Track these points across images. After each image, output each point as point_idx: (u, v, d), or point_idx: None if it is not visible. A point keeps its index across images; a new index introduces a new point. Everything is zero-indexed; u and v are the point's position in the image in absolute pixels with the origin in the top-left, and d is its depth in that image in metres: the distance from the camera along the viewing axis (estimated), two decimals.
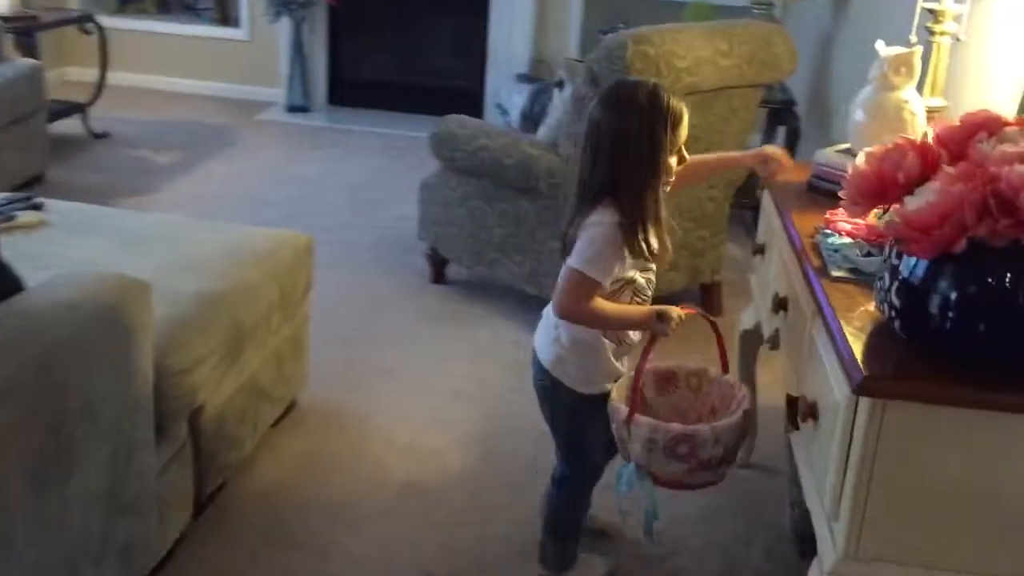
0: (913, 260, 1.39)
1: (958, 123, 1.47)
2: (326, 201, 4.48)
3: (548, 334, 2.02)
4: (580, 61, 3.55)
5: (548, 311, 2.01)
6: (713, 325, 2.00)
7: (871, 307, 1.58)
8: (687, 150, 1.94)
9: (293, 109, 5.92)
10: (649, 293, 1.99)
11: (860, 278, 1.68)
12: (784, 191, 2.23)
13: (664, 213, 1.91)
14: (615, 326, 1.95)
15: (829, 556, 1.48)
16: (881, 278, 1.47)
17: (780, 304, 1.94)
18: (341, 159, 5.14)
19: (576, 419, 2.08)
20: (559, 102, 3.26)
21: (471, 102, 5.99)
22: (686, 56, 2.94)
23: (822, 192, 2.20)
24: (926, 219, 1.31)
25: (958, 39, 2.24)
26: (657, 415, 1.99)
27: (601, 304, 1.88)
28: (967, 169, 1.31)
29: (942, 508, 1.41)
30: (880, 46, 2.13)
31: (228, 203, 4.31)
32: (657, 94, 1.87)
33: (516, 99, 5.37)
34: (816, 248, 1.84)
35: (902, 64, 2.09)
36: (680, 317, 1.90)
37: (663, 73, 2.89)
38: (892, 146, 1.45)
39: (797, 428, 1.75)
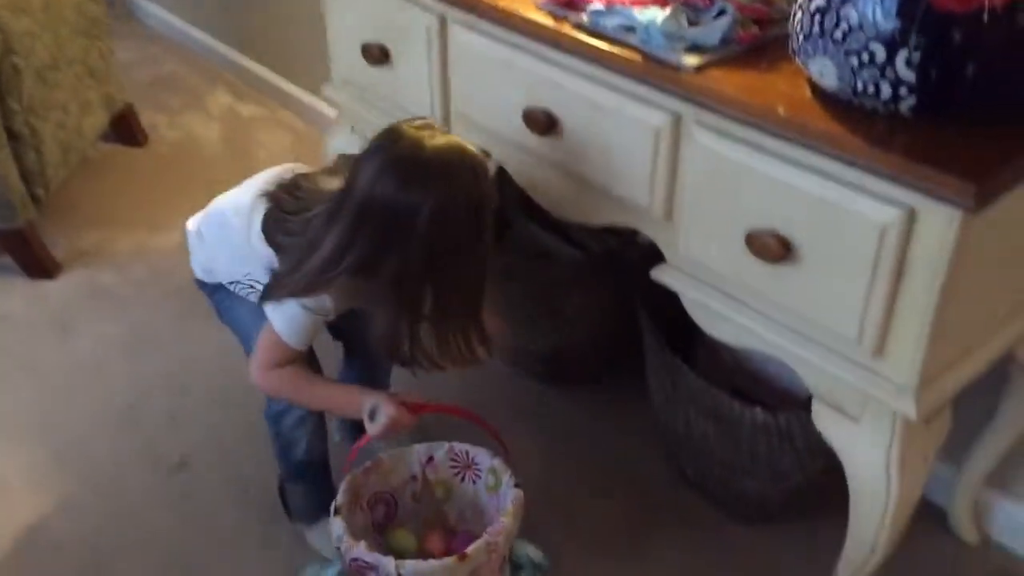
0: (938, 20, 1.05)
1: None
2: None
3: None
4: None
5: None
6: (494, 433, 1.53)
7: (782, 89, 1.22)
8: None
9: None
10: None
11: (716, 57, 1.28)
12: None
13: None
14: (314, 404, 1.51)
15: (890, 392, 1.20)
16: (862, 52, 1.10)
17: (550, 124, 1.43)
18: None
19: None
20: None
21: None
22: None
23: None
24: None
25: None
26: (452, 504, 1.63)
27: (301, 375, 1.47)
28: None
29: (1008, 277, 1.24)
30: None
31: None
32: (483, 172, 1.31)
33: None
34: (593, 34, 1.35)
35: None
36: (398, 422, 1.42)
37: None
38: None
39: None
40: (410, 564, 1.40)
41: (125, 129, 2.73)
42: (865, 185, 1.12)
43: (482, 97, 1.55)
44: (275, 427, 1.57)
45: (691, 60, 1.27)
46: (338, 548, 1.45)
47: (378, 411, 1.42)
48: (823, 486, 1.66)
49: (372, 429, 1.42)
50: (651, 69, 1.28)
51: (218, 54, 3.25)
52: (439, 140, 1.29)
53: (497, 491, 1.61)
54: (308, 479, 1.61)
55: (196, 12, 3.33)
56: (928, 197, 1.07)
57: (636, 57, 1.30)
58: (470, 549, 1.42)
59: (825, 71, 1.16)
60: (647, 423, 1.90)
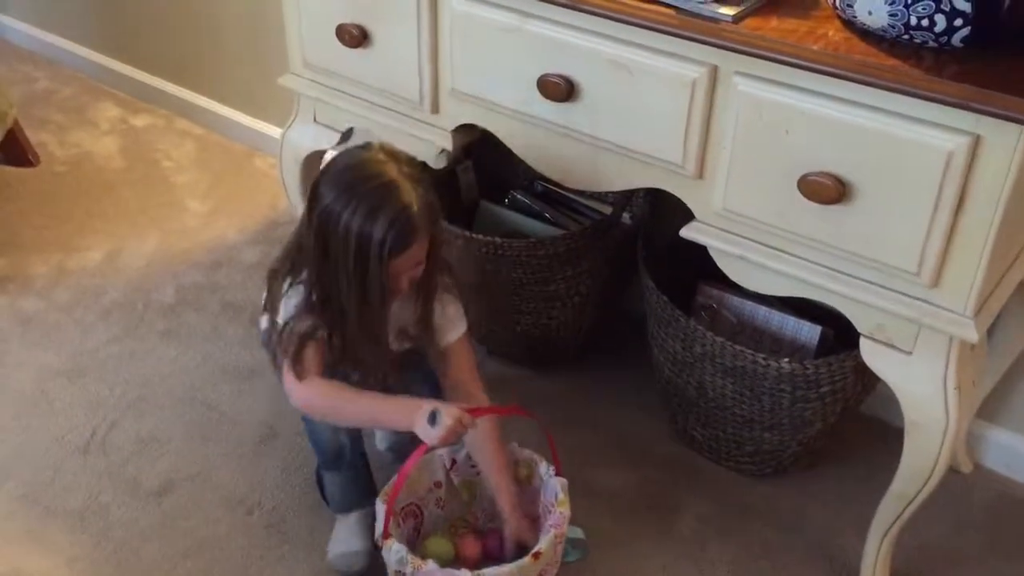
0: None
1: None
2: None
3: None
4: None
5: None
6: (541, 425, 1.53)
7: (822, 32, 1.23)
8: None
9: None
10: None
11: (748, 7, 1.29)
12: None
13: None
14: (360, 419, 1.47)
15: (949, 320, 1.24)
16: None
17: (569, 90, 1.40)
18: None
19: None
20: None
21: None
22: None
23: None
24: None
25: None
26: (478, 504, 1.60)
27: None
28: None
29: None
30: None
31: None
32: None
33: None
34: None
35: None
36: (461, 423, 1.36)
37: None
38: None
39: None
40: (489, 572, 1.36)
41: (14, 149, 2.51)
42: (925, 116, 1.15)
43: (482, 69, 1.50)
44: (306, 422, 1.54)
45: (727, 11, 1.27)
46: (400, 572, 1.40)
47: (439, 416, 1.35)
48: (836, 432, 1.70)
49: (433, 435, 1.35)
50: (688, 23, 1.27)
51: (98, 66, 3.03)
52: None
53: (530, 482, 1.57)
54: (344, 469, 1.56)
55: (68, 25, 3.10)
56: (998, 120, 1.11)
57: (669, 13, 1.29)
58: (542, 546, 1.41)
59: (874, 8, 1.18)
60: (638, 394, 1.91)
